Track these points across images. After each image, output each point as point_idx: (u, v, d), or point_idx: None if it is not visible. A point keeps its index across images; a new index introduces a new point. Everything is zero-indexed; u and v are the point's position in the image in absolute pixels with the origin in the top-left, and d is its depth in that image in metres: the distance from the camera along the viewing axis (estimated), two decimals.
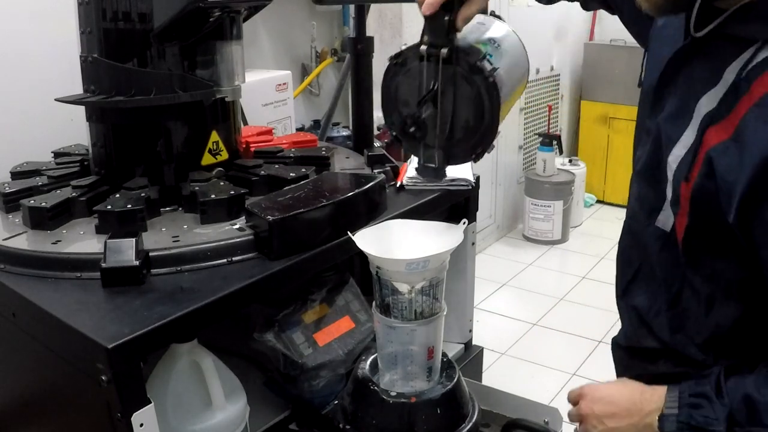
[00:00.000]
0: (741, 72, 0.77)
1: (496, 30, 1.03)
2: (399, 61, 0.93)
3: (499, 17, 1.08)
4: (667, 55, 0.87)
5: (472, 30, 0.96)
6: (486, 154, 0.95)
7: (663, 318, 0.92)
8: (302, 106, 2.35)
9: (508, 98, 0.97)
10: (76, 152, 1.45)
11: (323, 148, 1.51)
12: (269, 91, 1.89)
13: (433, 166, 0.96)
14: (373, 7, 2.20)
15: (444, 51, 0.87)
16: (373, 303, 1.06)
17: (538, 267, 3.58)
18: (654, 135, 0.89)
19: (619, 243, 1.03)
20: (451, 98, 0.91)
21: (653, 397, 0.86)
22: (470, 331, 1.70)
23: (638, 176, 0.95)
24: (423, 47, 0.89)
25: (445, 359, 1.12)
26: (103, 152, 1.29)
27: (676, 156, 0.84)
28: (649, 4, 0.79)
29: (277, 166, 1.37)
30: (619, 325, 1.05)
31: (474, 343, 1.74)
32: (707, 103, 0.80)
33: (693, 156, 0.81)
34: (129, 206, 1.15)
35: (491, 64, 0.91)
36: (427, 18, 0.87)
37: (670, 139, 0.85)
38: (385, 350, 1.07)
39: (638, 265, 0.97)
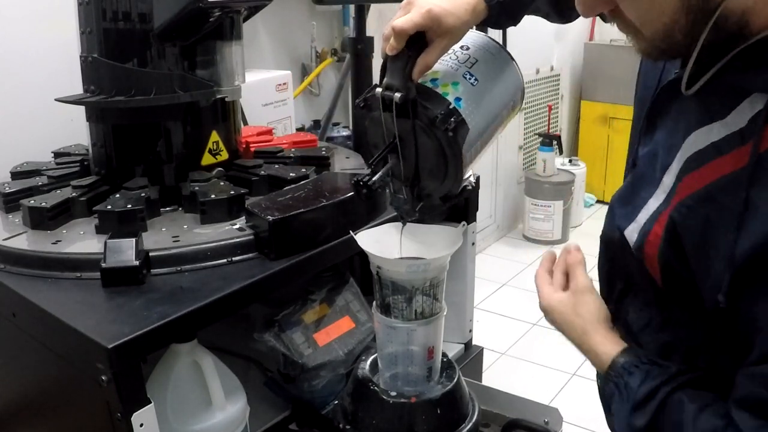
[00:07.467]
0: (754, 119, 0.61)
1: (479, 58, 0.90)
2: (362, 106, 0.90)
3: (498, 43, 0.93)
4: (663, 75, 0.78)
5: (449, 61, 0.88)
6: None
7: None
8: (302, 106, 2.34)
9: (488, 133, 0.90)
10: (76, 152, 1.45)
11: (323, 148, 1.51)
12: (269, 91, 1.89)
13: (406, 207, 0.95)
14: (373, 7, 2.19)
15: (398, 96, 0.82)
16: (373, 303, 1.06)
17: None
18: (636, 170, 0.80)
19: (598, 261, 0.95)
20: (413, 148, 0.87)
21: (599, 352, 0.90)
22: (470, 331, 1.71)
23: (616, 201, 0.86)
24: (378, 90, 0.85)
25: (445, 359, 1.12)
26: (103, 152, 1.29)
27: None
28: (640, 49, 0.70)
29: (277, 166, 1.37)
30: None
31: (474, 343, 1.74)
32: (696, 140, 0.67)
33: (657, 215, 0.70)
34: (129, 206, 1.15)
35: (458, 111, 0.83)
36: (389, 57, 0.83)
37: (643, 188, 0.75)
38: (385, 350, 1.07)
39: (623, 285, 0.91)
